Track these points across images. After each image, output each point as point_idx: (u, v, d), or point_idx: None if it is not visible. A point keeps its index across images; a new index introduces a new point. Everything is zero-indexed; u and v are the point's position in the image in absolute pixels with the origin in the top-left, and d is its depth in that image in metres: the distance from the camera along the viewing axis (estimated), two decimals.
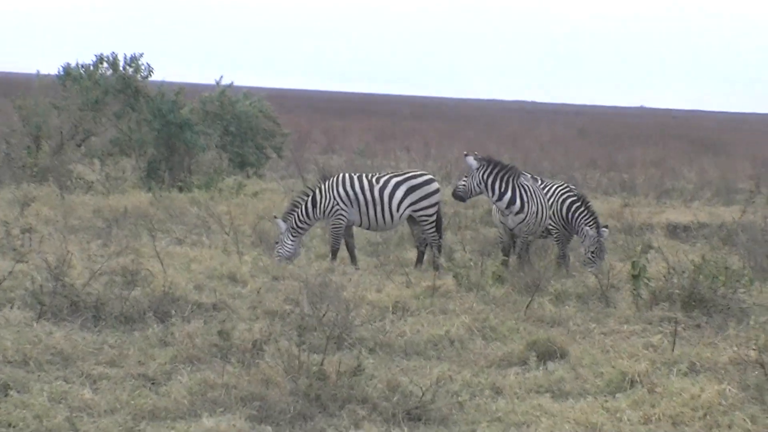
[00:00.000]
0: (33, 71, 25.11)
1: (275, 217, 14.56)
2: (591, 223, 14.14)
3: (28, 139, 21.58)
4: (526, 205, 13.65)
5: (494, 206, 14.21)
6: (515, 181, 13.75)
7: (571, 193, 14.44)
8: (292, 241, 14.38)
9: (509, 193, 13.69)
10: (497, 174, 13.70)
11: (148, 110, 21.47)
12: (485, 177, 13.71)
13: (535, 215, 13.75)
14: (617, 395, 8.88)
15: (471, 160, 13.83)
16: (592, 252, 14.06)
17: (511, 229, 13.77)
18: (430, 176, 14.81)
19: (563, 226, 14.31)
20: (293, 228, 14.35)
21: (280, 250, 14.33)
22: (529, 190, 13.83)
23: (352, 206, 14.39)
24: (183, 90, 22.23)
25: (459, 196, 14.03)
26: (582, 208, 14.24)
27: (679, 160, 36.64)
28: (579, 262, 14.63)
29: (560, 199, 14.38)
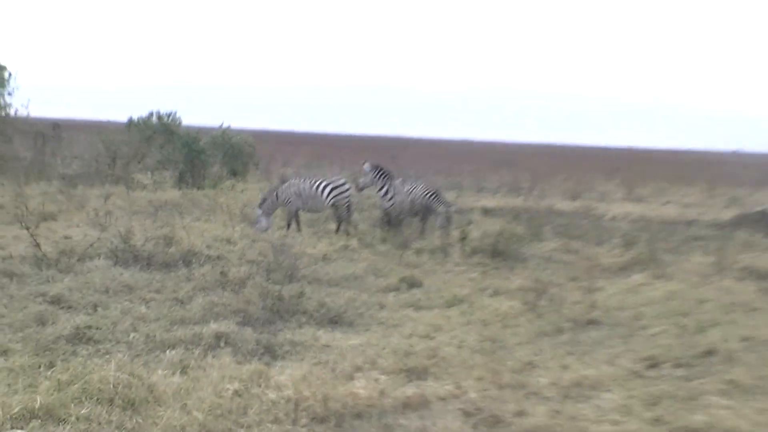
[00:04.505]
0: (106, 119, 39.65)
1: (259, 205, 20.52)
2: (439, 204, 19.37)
3: (108, 159, 36.10)
4: (394, 196, 20.05)
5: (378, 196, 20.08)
6: (390, 181, 20.13)
7: (426, 188, 20.53)
8: (265, 219, 20.31)
9: (385, 188, 20.07)
10: (380, 175, 20.34)
11: (179, 142, 35.18)
12: (374, 177, 20.40)
13: (398, 203, 19.82)
14: (451, 308, 12.23)
15: (367, 166, 20.58)
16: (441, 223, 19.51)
17: (385, 210, 20.00)
18: (344, 180, 21.28)
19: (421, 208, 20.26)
20: (265, 212, 20.38)
21: (257, 225, 20.16)
22: (397, 187, 19.91)
23: (299, 198, 20.66)
24: (200, 131, 35.60)
25: (360, 188, 20.75)
26: (434, 195, 20.36)
27: None
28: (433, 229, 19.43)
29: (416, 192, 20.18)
